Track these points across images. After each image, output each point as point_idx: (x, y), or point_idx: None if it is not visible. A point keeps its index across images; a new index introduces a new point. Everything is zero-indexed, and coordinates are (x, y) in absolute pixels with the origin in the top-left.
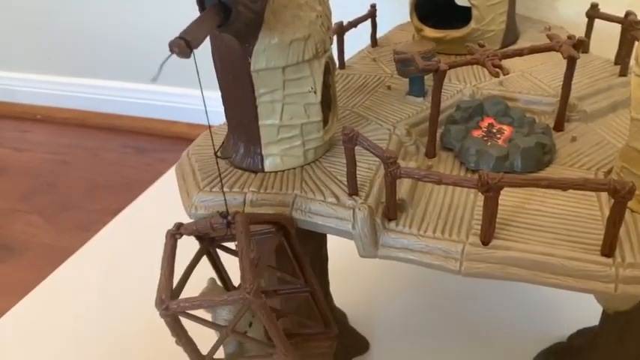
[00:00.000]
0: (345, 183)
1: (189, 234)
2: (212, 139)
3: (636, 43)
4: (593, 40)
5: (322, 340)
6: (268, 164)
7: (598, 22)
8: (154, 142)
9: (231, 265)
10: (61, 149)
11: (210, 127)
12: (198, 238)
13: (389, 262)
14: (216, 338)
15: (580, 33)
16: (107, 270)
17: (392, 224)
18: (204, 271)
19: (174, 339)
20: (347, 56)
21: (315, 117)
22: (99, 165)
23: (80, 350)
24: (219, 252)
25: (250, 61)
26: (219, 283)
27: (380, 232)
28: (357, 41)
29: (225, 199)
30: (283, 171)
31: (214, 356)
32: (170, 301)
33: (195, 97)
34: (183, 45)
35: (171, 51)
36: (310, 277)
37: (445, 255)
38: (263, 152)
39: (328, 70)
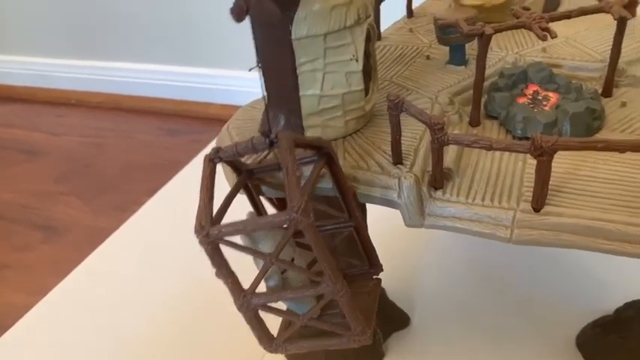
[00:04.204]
0: (389, 153)
1: (228, 158)
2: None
3: None
4: None
5: (368, 279)
6: (309, 136)
7: None
8: (187, 124)
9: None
10: (96, 132)
11: (264, 96)
12: (236, 170)
13: (428, 235)
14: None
15: None
16: (145, 249)
17: (438, 193)
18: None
19: (213, 271)
20: (382, 28)
21: (357, 86)
22: (133, 147)
23: (120, 327)
24: None
25: (291, 30)
26: None
27: (426, 201)
28: (391, 12)
29: (267, 120)
30: None
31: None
32: (211, 227)
33: (227, 78)
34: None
35: (232, 14)
36: (354, 210)
37: (495, 223)
38: (304, 124)
39: (369, 37)
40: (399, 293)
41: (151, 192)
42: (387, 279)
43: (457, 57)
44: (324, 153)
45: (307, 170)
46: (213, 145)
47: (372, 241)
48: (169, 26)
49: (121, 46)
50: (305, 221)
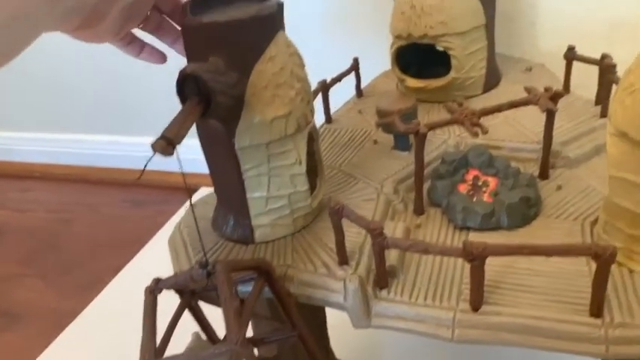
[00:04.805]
0: (335, 250)
1: (168, 288)
2: (195, 219)
3: (611, 102)
4: (576, 73)
5: None
6: (258, 235)
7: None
8: (152, 195)
9: (215, 316)
10: (62, 207)
11: (192, 205)
12: (179, 291)
13: None
14: None
15: (562, 67)
16: (110, 333)
17: (383, 292)
18: (189, 324)
19: None
20: (333, 106)
21: (302, 186)
22: (99, 221)
23: None
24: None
25: (234, 140)
26: (203, 336)
27: (372, 302)
28: (343, 91)
29: (203, 249)
30: (274, 240)
31: None
32: None
33: (189, 147)
34: (166, 145)
35: (154, 151)
36: (297, 320)
37: (437, 323)
38: (252, 223)
39: (312, 138)
40: None
41: (117, 269)
42: (353, 357)
43: (401, 144)
44: (263, 270)
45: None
46: (178, 216)
47: (335, 321)
48: (131, 98)
49: (83, 118)
50: (245, 352)
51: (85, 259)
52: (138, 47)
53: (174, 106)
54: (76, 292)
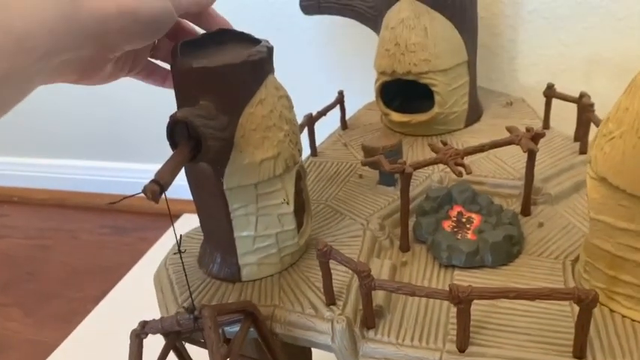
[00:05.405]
0: (322, 290)
1: (154, 333)
2: (182, 263)
3: (590, 146)
4: (556, 106)
5: None
6: (245, 273)
7: (559, 86)
8: (134, 221)
9: (200, 357)
10: (40, 233)
11: (180, 252)
12: (164, 333)
13: None
14: None
15: (542, 101)
16: None
17: (371, 333)
18: None
19: None
20: (318, 137)
21: (289, 225)
22: (79, 248)
23: None
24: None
25: (223, 181)
26: None
27: (359, 342)
28: (327, 122)
29: (190, 293)
30: (261, 279)
31: None
32: None
33: None
34: (157, 191)
35: (145, 195)
36: None
37: None
38: (240, 262)
39: (299, 176)
40: None
41: (97, 299)
42: None
43: (386, 179)
44: (249, 312)
45: None
46: (159, 244)
47: (321, 355)
48: (112, 123)
49: (62, 143)
50: None
51: (65, 288)
52: (160, 77)
53: (156, 132)
54: (55, 322)
